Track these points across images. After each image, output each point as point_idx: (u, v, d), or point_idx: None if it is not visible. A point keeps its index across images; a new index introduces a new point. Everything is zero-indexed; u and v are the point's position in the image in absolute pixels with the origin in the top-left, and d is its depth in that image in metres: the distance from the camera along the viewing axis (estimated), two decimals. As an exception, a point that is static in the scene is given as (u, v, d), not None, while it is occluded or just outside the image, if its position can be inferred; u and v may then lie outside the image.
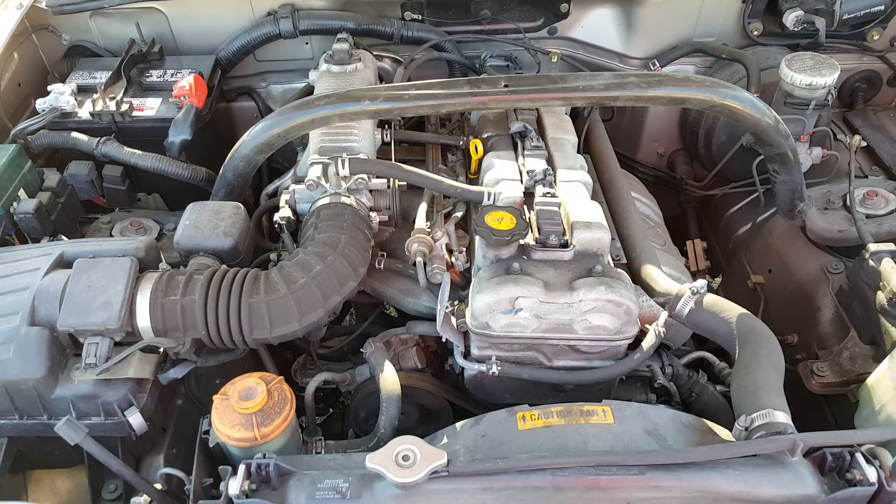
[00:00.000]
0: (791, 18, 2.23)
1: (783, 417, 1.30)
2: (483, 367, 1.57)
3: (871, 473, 1.23)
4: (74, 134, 2.05)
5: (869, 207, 2.00)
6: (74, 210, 2.00)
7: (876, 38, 2.38)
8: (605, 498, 1.23)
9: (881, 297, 1.67)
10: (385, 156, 1.96)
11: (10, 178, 1.84)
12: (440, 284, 1.56)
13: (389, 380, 1.59)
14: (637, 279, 1.72)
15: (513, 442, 1.36)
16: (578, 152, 2.21)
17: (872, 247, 1.73)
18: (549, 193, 1.66)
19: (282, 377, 1.41)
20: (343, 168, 1.68)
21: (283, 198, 1.78)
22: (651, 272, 1.69)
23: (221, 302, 1.45)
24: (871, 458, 1.24)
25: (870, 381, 1.58)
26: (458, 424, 1.44)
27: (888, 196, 2.02)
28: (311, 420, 1.65)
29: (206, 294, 1.45)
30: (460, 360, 1.58)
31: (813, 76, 2.00)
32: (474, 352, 1.60)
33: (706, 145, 2.39)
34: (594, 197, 1.79)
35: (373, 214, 1.73)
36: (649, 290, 1.69)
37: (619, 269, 1.58)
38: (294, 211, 1.76)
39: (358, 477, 1.25)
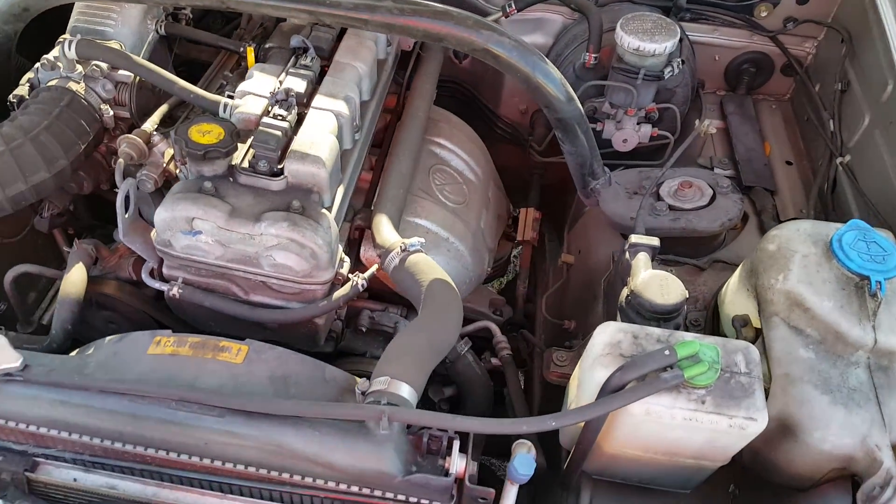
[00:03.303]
0: (656, -25, 1.99)
1: (406, 391, 1.20)
2: (165, 287, 1.48)
3: (459, 465, 1.13)
4: None
5: (678, 199, 1.81)
6: None
7: (764, 14, 2.12)
8: (182, 434, 1.17)
9: (624, 292, 1.52)
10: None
11: None
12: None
13: (69, 282, 1.51)
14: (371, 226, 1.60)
15: (137, 365, 1.29)
16: (404, 87, 2.07)
17: (634, 238, 1.57)
18: (279, 116, 1.52)
19: None
20: (70, 50, 1.56)
21: (27, 76, 1.67)
22: (380, 221, 1.57)
23: None
24: (469, 448, 1.15)
25: (571, 378, 1.46)
26: (108, 338, 1.37)
27: (704, 190, 1.83)
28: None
29: None
30: (144, 275, 1.50)
31: (642, 40, 1.78)
32: (165, 270, 1.52)
33: (550, 106, 2.20)
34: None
35: (105, 107, 1.62)
36: (373, 240, 1.57)
37: (323, 211, 1.46)
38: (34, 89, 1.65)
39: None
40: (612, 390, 1.16)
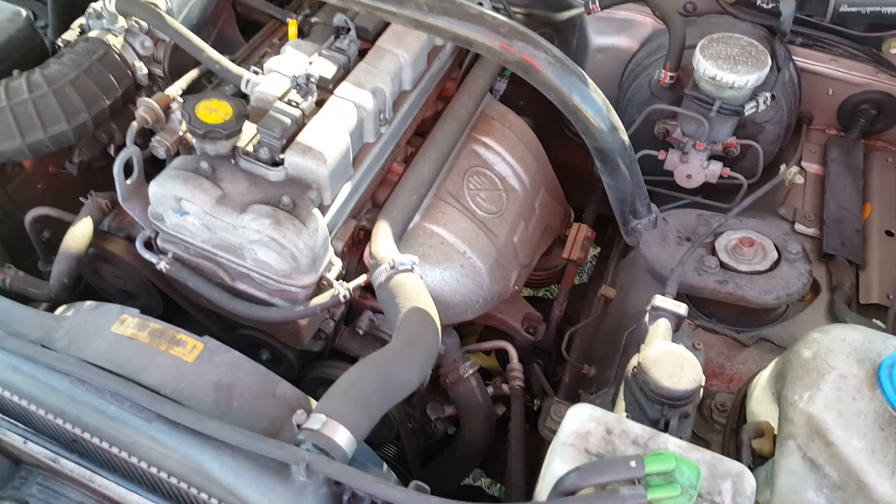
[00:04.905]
0: (764, -9, 1.68)
1: (342, 437, 1.09)
2: (154, 259, 1.46)
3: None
4: None
5: (734, 257, 1.56)
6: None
7: (894, 51, 1.75)
8: (112, 428, 1.14)
9: (632, 362, 1.33)
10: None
11: None
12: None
13: (72, 235, 1.51)
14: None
15: (98, 340, 1.27)
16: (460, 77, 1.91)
17: (658, 300, 1.36)
18: (294, 102, 1.43)
19: None
20: (109, 3, 1.53)
21: (79, 21, 1.67)
22: (379, 229, 1.46)
23: None
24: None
25: (549, 448, 1.30)
26: (87, 303, 1.37)
27: (769, 251, 1.56)
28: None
29: None
30: (138, 243, 1.48)
31: (721, 69, 1.51)
32: (159, 242, 1.49)
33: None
34: None
35: (140, 64, 1.59)
36: (370, 248, 1.46)
37: (314, 212, 1.36)
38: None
39: None
40: (563, 492, 1.01)
